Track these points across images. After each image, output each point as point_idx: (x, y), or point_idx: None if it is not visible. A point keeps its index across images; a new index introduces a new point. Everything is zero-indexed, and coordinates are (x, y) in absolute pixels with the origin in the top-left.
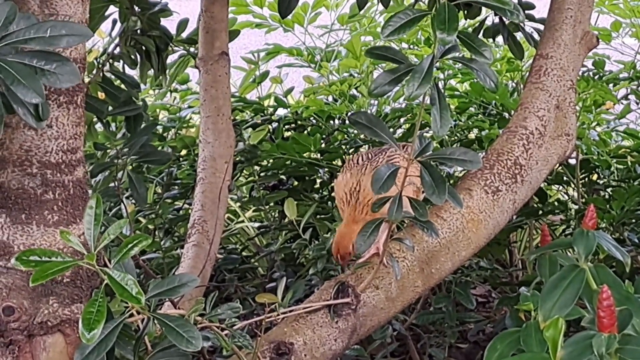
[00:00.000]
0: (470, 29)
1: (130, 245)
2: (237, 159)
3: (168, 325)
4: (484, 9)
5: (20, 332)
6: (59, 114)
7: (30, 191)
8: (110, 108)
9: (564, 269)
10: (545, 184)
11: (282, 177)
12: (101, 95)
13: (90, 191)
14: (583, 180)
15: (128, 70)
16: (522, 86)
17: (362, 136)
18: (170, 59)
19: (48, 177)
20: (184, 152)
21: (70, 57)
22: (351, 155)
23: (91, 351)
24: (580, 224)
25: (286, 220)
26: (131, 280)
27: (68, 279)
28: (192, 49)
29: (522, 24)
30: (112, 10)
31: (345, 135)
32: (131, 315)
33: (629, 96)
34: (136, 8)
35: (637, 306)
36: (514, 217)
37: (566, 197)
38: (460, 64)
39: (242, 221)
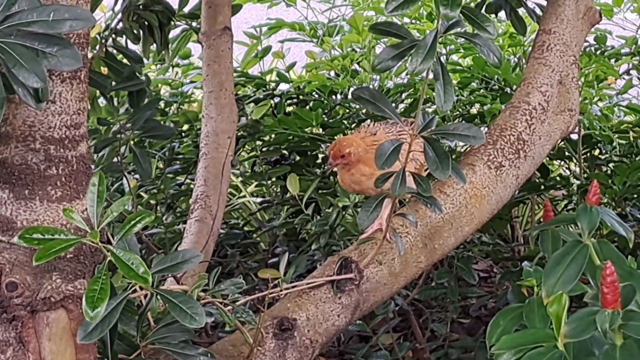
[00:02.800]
0: (472, 4)
1: (133, 222)
2: (240, 134)
3: (171, 301)
4: None
5: (24, 307)
6: (62, 89)
7: (33, 167)
8: (113, 83)
9: (567, 244)
10: (548, 159)
11: (284, 152)
12: (104, 70)
13: (93, 166)
14: (585, 156)
15: (131, 45)
16: (524, 61)
17: (364, 111)
18: (173, 33)
19: (51, 152)
20: (186, 127)
21: (74, 34)
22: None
23: (94, 328)
24: (583, 199)
25: (288, 195)
26: (137, 260)
27: (71, 254)
28: (194, 24)
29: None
30: None
31: (347, 110)
32: (134, 291)
33: (631, 71)
34: None
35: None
36: (516, 192)
37: (568, 173)
38: (462, 39)
39: (244, 196)
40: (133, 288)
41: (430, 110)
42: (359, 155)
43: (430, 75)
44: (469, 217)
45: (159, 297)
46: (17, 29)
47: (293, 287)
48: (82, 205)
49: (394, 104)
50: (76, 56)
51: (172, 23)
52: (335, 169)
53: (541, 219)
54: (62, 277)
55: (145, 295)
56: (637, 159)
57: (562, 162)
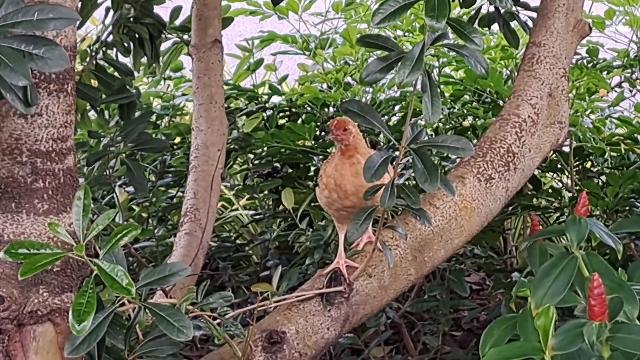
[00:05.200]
0: (465, 18)
1: (119, 235)
2: (231, 146)
3: (159, 315)
4: None
5: (10, 321)
6: (49, 102)
7: (20, 180)
8: (103, 96)
9: (556, 256)
10: (540, 171)
11: (277, 165)
12: (94, 83)
13: (81, 179)
14: (577, 168)
15: (121, 58)
16: (516, 74)
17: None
18: (164, 46)
19: (38, 165)
20: (177, 139)
21: (60, 44)
22: None
23: (82, 342)
24: (574, 211)
25: (280, 208)
26: (121, 272)
27: (58, 268)
28: (185, 37)
29: (517, 12)
30: None
31: None
32: (122, 304)
33: (623, 84)
34: None
35: (628, 294)
36: (510, 207)
37: (560, 185)
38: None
39: (236, 209)
40: (121, 301)
41: (422, 122)
42: (357, 141)
43: (419, 87)
44: (459, 229)
45: (147, 310)
46: (3, 31)
47: (282, 300)
48: (70, 219)
49: (386, 117)
50: (63, 57)
51: (163, 36)
52: (329, 171)
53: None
54: (49, 291)
55: (134, 309)
56: (628, 170)
57: (554, 175)
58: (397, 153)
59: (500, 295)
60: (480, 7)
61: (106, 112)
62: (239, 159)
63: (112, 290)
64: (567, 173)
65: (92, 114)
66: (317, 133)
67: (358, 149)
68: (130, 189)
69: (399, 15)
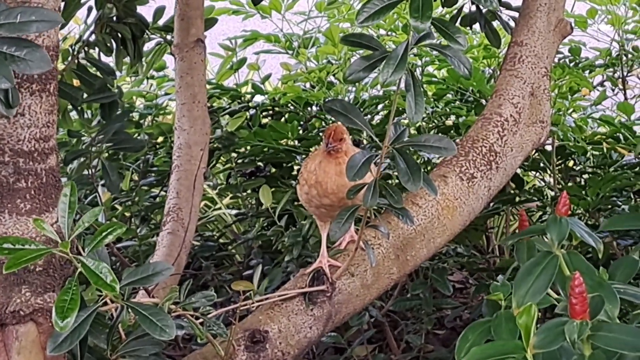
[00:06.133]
0: (447, 17)
1: (104, 234)
2: (215, 146)
3: (141, 314)
4: None
5: None
6: (31, 102)
7: (2, 180)
8: (85, 95)
9: (537, 255)
10: (522, 170)
11: (260, 164)
12: (76, 82)
13: (64, 179)
14: (559, 167)
15: (104, 58)
16: (498, 73)
17: (339, 123)
18: (147, 46)
19: (20, 165)
20: (160, 139)
21: (43, 44)
22: None
23: (64, 339)
24: (554, 210)
25: (263, 207)
26: (105, 268)
27: (41, 267)
28: (168, 37)
29: (498, 12)
30: None
31: (323, 122)
32: (105, 303)
33: (605, 83)
34: None
35: (609, 293)
36: (492, 204)
37: (542, 184)
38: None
39: (219, 208)
40: (104, 300)
41: (405, 121)
42: (347, 146)
43: (402, 86)
44: (441, 228)
45: (129, 309)
46: None
47: (265, 299)
48: (52, 219)
49: (369, 116)
50: (45, 59)
51: (146, 36)
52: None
53: (516, 230)
54: (32, 291)
55: (116, 308)
56: (610, 170)
57: (537, 174)
58: (380, 152)
59: (483, 294)
60: (462, 7)
61: (88, 112)
62: (222, 158)
63: (96, 287)
64: (549, 172)
65: (73, 114)
66: (300, 132)
67: (347, 152)
68: None
69: (383, 14)
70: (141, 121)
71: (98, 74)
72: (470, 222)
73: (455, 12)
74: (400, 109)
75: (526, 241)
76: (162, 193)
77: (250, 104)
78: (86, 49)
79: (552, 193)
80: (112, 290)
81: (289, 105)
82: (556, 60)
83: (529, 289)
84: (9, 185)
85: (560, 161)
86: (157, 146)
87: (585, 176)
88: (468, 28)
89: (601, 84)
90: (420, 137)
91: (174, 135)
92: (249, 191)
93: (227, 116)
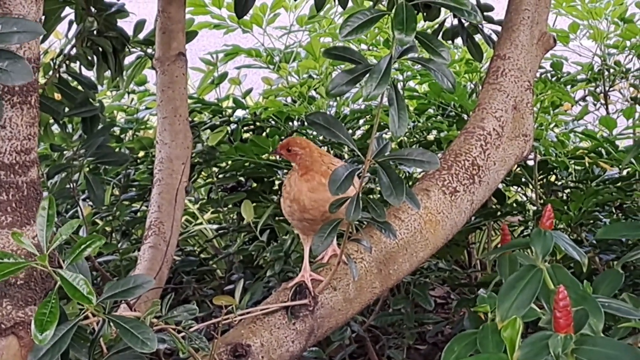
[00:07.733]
0: (429, 31)
1: (83, 246)
2: (196, 160)
3: (123, 327)
4: (443, 11)
5: None
6: (12, 114)
7: None
8: (66, 109)
9: (521, 269)
10: (504, 185)
11: (241, 178)
12: (57, 96)
13: (45, 193)
14: (541, 182)
15: (85, 72)
16: (480, 87)
17: (320, 137)
18: (128, 60)
19: (1, 178)
20: (141, 153)
21: (24, 56)
22: None
23: (45, 353)
24: (538, 224)
25: (245, 222)
26: (82, 280)
27: (22, 281)
28: (149, 50)
29: (480, 26)
30: (69, 11)
31: (305, 137)
32: (86, 317)
33: (587, 98)
34: (93, 9)
35: (593, 306)
36: (473, 218)
37: (524, 198)
38: (419, 65)
39: (201, 223)
40: (85, 314)
41: (387, 136)
42: (306, 162)
43: (385, 101)
44: (424, 242)
45: (111, 323)
46: None
47: (247, 313)
48: (33, 232)
49: (350, 130)
50: (27, 70)
51: (127, 49)
52: (290, 183)
53: (498, 245)
54: (13, 304)
55: (98, 322)
56: (592, 184)
57: (519, 188)
58: (362, 166)
59: (465, 308)
60: (444, 21)
61: (69, 126)
62: (203, 172)
63: (73, 299)
64: (531, 187)
65: (55, 128)
66: None
67: (312, 167)
68: None
69: (366, 28)
70: (122, 135)
71: (80, 87)
72: (452, 237)
73: (437, 26)
74: (383, 123)
75: (508, 255)
76: (143, 208)
77: (231, 119)
78: (67, 62)
79: (534, 208)
80: (89, 302)
81: (270, 119)
82: (538, 74)
83: (512, 302)
84: None
85: (542, 176)
86: (138, 160)
87: (567, 191)
88: (450, 42)
89: (583, 98)
90: (403, 151)
91: (156, 149)
92: (230, 206)
93: (208, 130)
